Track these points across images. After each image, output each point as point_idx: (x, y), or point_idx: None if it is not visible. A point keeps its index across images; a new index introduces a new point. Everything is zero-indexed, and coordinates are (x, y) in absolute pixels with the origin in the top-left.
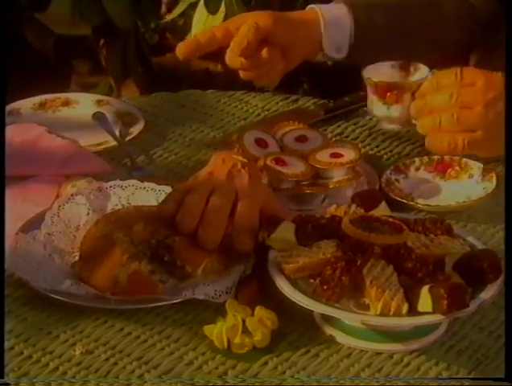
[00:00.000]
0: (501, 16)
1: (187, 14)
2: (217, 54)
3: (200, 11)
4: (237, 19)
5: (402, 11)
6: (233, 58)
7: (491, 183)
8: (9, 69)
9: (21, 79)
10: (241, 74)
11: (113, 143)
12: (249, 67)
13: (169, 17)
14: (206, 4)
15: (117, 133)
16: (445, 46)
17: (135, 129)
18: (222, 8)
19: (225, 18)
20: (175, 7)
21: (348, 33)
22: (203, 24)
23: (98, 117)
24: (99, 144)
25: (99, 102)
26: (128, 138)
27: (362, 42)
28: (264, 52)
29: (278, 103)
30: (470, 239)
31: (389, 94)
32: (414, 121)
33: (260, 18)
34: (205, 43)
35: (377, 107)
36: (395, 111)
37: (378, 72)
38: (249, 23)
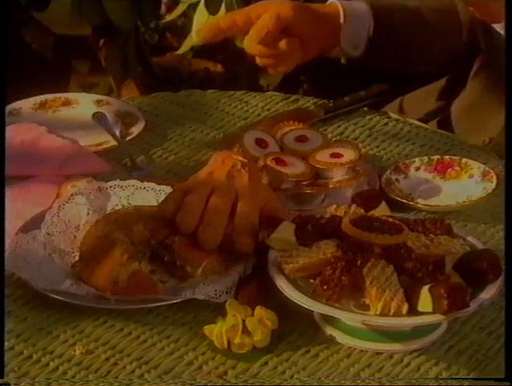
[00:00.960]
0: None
1: (187, 15)
2: (217, 54)
3: (201, 12)
4: (258, 7)
5: (419, 14)
6: (251, 44)
7: (491, 183)
8: (9, 69)
9: (21, 79)
10: (258, 60)
11: (113, 143)
12: (266, 54)
13: (169, 17)
14: (206, 5)
15: (117, 133)
16: (457, 50)
17: (135, 129)
18: (223, 9)
19: None
20: (175, 7)
21: (366, 31)
22: (203, 25)
23: (98, 117)
24: (99, 144)
25: (99, 102)
26: (128, 138)
27: (380, 41)
28: (283, 43)
29: (278, 103)
30: (470, 239)
31: None
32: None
33: (282, 8)
34: (226, 27)
35: None
36: None
37: None
38: (270, 12)
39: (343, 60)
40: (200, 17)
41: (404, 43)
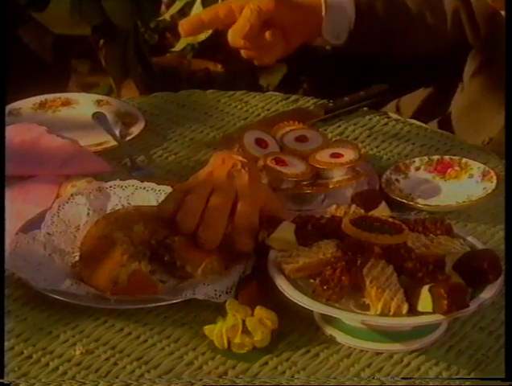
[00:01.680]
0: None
1: (187, 13)
2: (217, 54)
3: (197, 9)
4: (239, 0)
5: (401, 3)
6: (235, 39)
7: (491, 183)
8: (9, 69)
9: (21, 79)
10: (243, 53)
11: (113, 143)
12: (250, 47)
13: (166, 15)
14: (203, 2)
15: (117, 133)
16: (442, 39)
17: (135, 129)
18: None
19: None
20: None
21: (348, 20)
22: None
23: (98, 117)
24: (99, 144)
25: (99, 102)
26: (128, 138)
27: (362, 30)
28: (267, 34)
29: (278, 103)
30: (470, 239)
31: None
32: None
33: (262, 1)
34: (208, 21)
35: None
36: None
37: None
38: (251, 6)
39: (327, 47)
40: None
41: (386, 31)
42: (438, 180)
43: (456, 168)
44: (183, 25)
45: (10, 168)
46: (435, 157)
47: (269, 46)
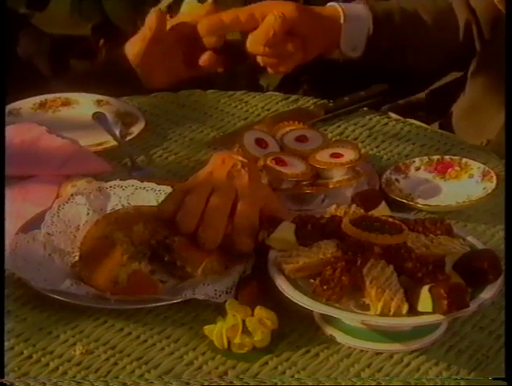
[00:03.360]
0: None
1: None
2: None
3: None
4: (263, 6)
5: (417, 16)
6: (256, 45)
7: (491, 183)
8: (9, 69)
9: (21, 79)
10: (259, 59)
11: (113, 143)
12: (270, 54)
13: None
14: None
15: (117, 133)
16: (454, 50)
17: (135, 129)
18: None
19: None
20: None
21: (365, 33)
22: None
23: (98, 117)
24: (99, 144)
25: (99, 102)
26: (128, 138)
27: (379, 43)
28: (289, 44)
29: (278, 103)
30: (470, 239)
31: None
32: None
33: (287, 9)
34: (229, 23)
35: None
36: None
37: None
38: (275, 13)
39: (341, 60)
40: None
41: (402, 44)
42: (438, 180)
43: (456, 168)
44: (203, 25)
45: (9, 168)
46: (435, 157)
47: (288, 55)
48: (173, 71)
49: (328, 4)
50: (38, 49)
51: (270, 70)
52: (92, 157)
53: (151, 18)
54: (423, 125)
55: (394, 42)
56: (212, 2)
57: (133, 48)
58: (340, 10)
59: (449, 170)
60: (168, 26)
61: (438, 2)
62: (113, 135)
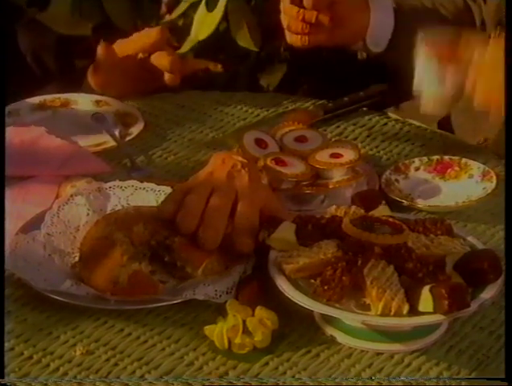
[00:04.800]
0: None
1: (188, 15)
2: (217, 54)
3: (201, 10)
4: None
5: (437, 13)
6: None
7: (491, 183)
8: (9, 69)
9: (21, 79)
10: (286, 22)
11: (113, 144)
12: (303, 18)
13: (169, 17)
14: (207, 3)
15: (116, 133)
16: None
17: (135, 130)
18: (220, 5)
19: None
20: (175, 7)
21: (391, 27)
22: (201, 23)
23: (97, 118)
24: (98, 144)
25: (98, 102)
26: (127, 139)
27: (402, 38)
28: (325, 18)
29: (277, 103)
30: (470, 239)
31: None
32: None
33: None
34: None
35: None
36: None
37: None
38: None
39: (359, 56)
40: (200, 15)
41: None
42: (438, 180)
43: (456, 168)
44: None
45: (9, 168)
46: (435, 157)
47: (319, 27)
48: (140, 87)
49: None
50: (43, 43)
51: (289, 38)
52: (92, 157)
53: (99, 50)
54: (423, 125)
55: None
56: (160, 29)
57: (91, 79)
58: (369, 2)
59: (449, 170)
60: (120, 52)
61: (457, 2)
62: (113, 135)
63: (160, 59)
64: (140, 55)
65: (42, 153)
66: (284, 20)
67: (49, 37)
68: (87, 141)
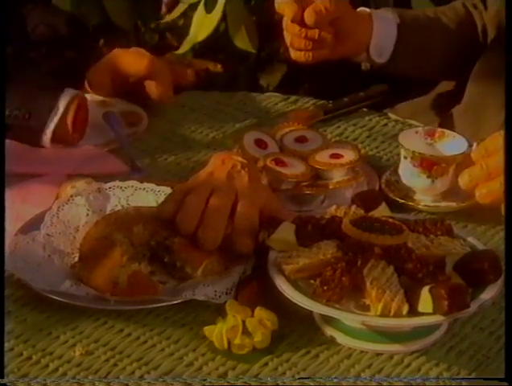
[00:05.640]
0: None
1: (188, 15)
2: (217, 54)
3: (200, 11)
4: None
5: (440, 22)
6: (310, 17)
7: None
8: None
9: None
10: (288, 39)
11: (114, 145)
12: (305, 36)
13: (169, 17)
14: (206, 4)
15: (124, 133)
16: (476, 54)
17: (140, 128)
18: (218, 7)
19: (223, 17)
20: (175, 7)
21: (394, 38)
22: (200, 24)
23: (108, 117)
24: (98, 145)
25: (102, 102)
26: (130, 139)
27: (405, 49)
28: (327, 34)
29: (277, 103)
30: (470, 239)
31: (435, 167)
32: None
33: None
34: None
35: (418, 179)
36: (441, 185)
37: (409, 142)
38: None
39: (363, 66)
40: (198, 16)
41: (427, 51)
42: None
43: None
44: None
45: (25, 167)
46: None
47: (321, 42)
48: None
49: (359, 9)
50: (54, 23)
51: (293, 54)
52: (110, 157)
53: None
54: (422, 125)
55: (420, 48)
56: (150, 59)
57: (92, 79)
58: (371, 14)
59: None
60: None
61: (458, 10)
62: (120, 136)
63: (151, 88)
64: (132, 79)
65: (62, 153)
66: (287, 37)
67: (59, 16)
68: (89, 142)
